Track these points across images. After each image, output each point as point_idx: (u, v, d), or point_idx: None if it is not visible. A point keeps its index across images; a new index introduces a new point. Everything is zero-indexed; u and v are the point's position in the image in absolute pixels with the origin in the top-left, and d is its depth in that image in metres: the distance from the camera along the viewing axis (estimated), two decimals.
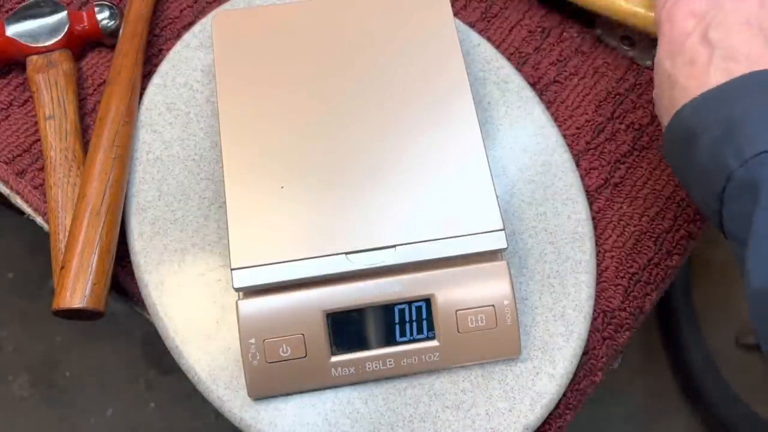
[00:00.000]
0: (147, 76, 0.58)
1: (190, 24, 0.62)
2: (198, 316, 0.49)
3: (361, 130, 0.50)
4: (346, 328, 0.46)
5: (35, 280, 1.27)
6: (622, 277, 0.54)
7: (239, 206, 0.46)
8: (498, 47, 0.62)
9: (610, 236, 0.56)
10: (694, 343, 1.23)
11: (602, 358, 0.52)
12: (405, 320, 0.46)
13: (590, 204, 0.56)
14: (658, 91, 0.46)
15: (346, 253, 0.45)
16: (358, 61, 0.52)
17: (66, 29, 0.58)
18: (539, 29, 0.65)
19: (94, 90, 0.60)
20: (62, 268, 0.48)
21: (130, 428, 1.17)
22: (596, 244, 0.55)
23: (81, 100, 0.59)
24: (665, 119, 0.44)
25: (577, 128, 0.60)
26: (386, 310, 0.46)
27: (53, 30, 0.58)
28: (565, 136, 0.58)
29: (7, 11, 0.63)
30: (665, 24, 0.45)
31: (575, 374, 0.51)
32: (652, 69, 0.63)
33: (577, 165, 0.58)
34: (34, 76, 0.57)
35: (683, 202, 0.57)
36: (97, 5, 0.60)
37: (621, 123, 0.61)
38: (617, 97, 0.62)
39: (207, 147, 0.54)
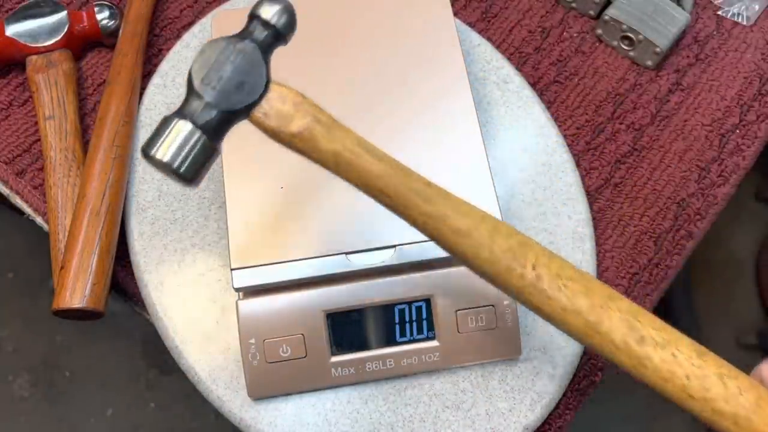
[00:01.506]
0: (147, 76, 0.58)
1: (190, 24, 0.62)
2: (198, 316, 0.49)
3: (360, 129, 0.49)
4: (346, 328, 0.46)
5: (35, 280, 1.27)
6: (622, 278, 0.54)
7: (239, 206, 0.46)
8: (498, 47, 0.62)
9: (611, 236, 0.56)
10: None
11: (603, 358, 0.52)
12: (405, 320, 0.46)
13: (590, 204, 0.56)
14: None
15: (346, 253, 0.45)
16: (358, 60, 0.52)
17: (66, 29, 0.58)
18: (539, 29, 0.65)
19: (94, 90, 0.60)
20: (62, 268, 0.48)
21: (130, 428, 1.17)
22: (596, 244, 0.55)
23: (81, 100, 0.59)
24: None
25: (578, 128, 0.60)
26: (386, 310, 0.46)
27: (53, 30, 0.58)
28: (565, 136, 0.58)
29: (6, 11, 0.63)
30: None
31: (575, 374, 0.51)
32: (653, 69, 0.63)
33: (578, 165, 0.58)
34: (34, 76, 0.57)
35: (684, 202, 0.57)
36: (96, 5, 0.60)
37: (621, 123, 0.61)
38: (617, 97, 0.62)
39: None
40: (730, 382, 0.32)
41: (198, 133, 0.30)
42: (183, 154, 0.30)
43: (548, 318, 0.33)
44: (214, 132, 0.31)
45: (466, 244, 0.33)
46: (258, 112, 0.32)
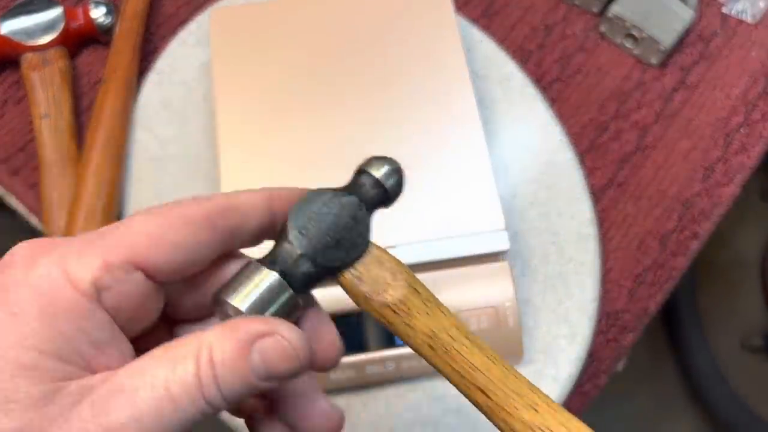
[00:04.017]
0: (143, 73, 0.57)
1: (187, 21, 0.62)
2: None
3: (360, 128, 0.49)
4: (346, 331, 0.45)
5: None
6: (626, 278, 0.53)
7: None
8: (500, 44, 0.61)
9: (614, 236, 0.55)
10: (698, 345, 1.22)
11: (606, 360, 0.51)
12: None
13: (594, 204, 0.55)
14: None
15: None
16: (358, 58, 0.51)
17: (61, 27, 0.57)
18: (542, 26, 0.64)
19: (90, 88, 0.59)
20: None
21: None
22: (600, 245, 0.54)
23: (76, 99, 0.58)
24: None
25: (581, 127, 0.59)
26: None
27: (48, 27, 0.57)
28: (568, 135, 0.57)
29: (1, 8, 0.62)
30: None
31: (579, 377, 0.50)
32: (657, 67, 0.62)
33: (581, 164, 0.57)
34: (29, 74, 0.56)
35: (688, 202, 0.57)
36: (92, 2, 0.59)
37: (625, 122, 0.60)
38: (621, 95, 0.61)
39: (203, 145, 0.53)
40: None
41: (284, 285, 0.27)
42: (263, 306, 0.27)
43: None
44: (302, 287, 0.28)
45: None
46: (350, 274, 0.29)
